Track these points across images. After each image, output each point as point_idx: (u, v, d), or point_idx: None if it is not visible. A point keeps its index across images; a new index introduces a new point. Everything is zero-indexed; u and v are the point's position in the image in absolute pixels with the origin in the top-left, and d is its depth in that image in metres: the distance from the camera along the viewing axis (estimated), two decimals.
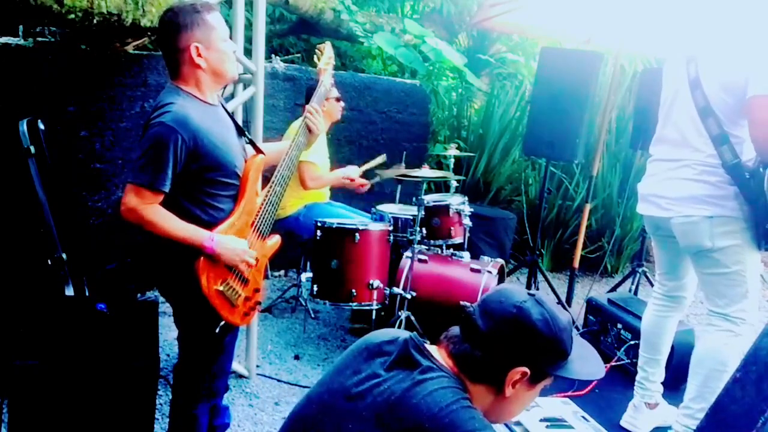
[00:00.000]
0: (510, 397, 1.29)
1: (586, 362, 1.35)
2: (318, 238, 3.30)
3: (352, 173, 3.85)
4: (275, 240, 2.21)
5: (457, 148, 4.20)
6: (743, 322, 2.27)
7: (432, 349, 1.34)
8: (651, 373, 2.59)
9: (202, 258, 1.89)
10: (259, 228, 2.08)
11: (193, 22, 1.92)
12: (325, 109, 3.72)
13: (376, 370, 1.27)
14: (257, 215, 2.07)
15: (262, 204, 2.09)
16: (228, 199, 2.01)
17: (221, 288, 1.94)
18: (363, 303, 3.27)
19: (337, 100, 3.84)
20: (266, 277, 2.31)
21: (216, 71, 1.98)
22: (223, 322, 2.00)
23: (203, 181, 1.94)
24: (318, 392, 1.34)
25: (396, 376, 1.24)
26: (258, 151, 2.17)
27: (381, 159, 3.95)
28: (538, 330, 1.25)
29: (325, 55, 2.36)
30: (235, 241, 1.98)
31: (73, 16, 2.82)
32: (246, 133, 2.15)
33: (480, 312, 1.30)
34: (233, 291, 1.98)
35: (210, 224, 1.94)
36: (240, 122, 3.01)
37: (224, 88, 2.41)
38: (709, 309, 2.35)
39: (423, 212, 3.41)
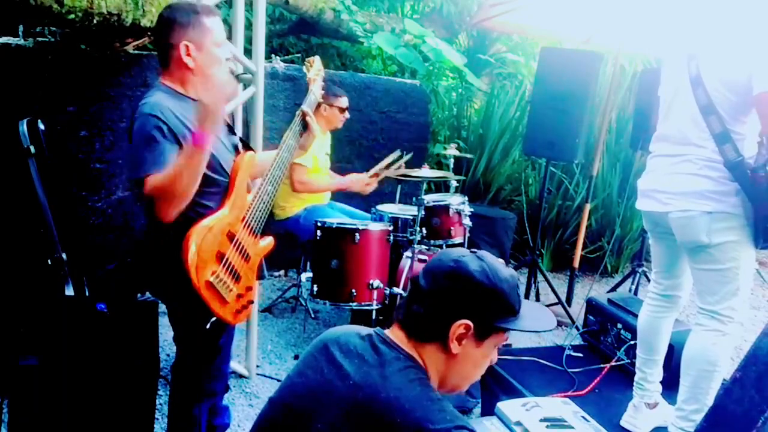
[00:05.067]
0: (459, 354, 1.26)
1: (535, 320, 1.32)
2: (318, 238, 3.30)
3: (364, 177, 3.73)
4: (268, 241, 2.20)
5: (457, 148, 4.20)
6: (731, 320, 2.26)
7: (389, 332, 1.31)
8: (649, 373, 2.58)
9: (190, 250, 1.87)
10: (250, 224, 2.08)
11: (188, 22, 1.94)
12: (326, 114, 3.73)
13: (340, 368, 1.23)
14: (248, 211, 2.08)
15: (253, 201, 2.09)
16: (216, 195, 2.02)
17: (211, 279, 1.92)
18: (363, 303, 3.26)
19: (341, 111, 3.78)
20: (262, 278, 2.30)
21: (203, 74, 1.98)
22: (213, 318, 1.99)
23: None
24: (280, 396, 1.30)
25: (362, 371, 1.21)
26: (248, 148, 2.17)
27: (395, 155, 3.87)
28: (476, 280, 1.23)
29: (314, 68, 2.46)
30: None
31: (73, 16, 2.82)
32: (235, 131, 2.15)
33: (423, 274, 1.30)
34: (224, 284, 1.96)
35: (198, 221, 1.94)
36: (240, 122, 3.02)
37: None
38: (699, 306, 2.34)
39: (423, 212, 3.41)
